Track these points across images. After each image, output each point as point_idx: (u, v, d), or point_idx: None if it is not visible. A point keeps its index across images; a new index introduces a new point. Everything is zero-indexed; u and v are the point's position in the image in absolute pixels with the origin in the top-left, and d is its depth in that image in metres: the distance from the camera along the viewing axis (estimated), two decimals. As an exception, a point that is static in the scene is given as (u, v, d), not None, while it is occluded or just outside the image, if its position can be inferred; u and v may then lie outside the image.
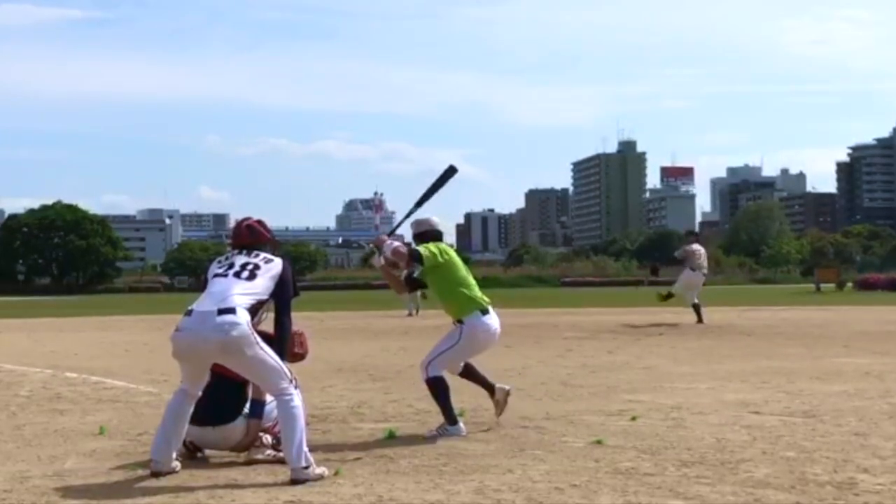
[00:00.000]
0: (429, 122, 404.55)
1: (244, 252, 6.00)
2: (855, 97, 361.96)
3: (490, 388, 7.42)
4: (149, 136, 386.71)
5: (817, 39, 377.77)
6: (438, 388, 7.11)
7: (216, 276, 5.87)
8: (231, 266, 5.89)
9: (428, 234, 7.37)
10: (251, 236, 6.11)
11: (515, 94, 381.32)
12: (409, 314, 26.70)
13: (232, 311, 5.57)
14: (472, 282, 7.28)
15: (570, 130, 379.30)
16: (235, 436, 6.13)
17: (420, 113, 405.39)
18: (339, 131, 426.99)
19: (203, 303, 5.70)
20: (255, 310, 5.73)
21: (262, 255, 5.97)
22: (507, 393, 7.44)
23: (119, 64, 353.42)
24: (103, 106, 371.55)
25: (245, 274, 5.80)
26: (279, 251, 6.21)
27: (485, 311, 7.19)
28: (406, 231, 7.89)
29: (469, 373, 7.44)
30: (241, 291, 5.69)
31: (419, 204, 7.45)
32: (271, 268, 5.87)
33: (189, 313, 5.69)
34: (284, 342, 5.95)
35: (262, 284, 5.79)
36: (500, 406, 7.41)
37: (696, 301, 19.74)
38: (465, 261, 7.48)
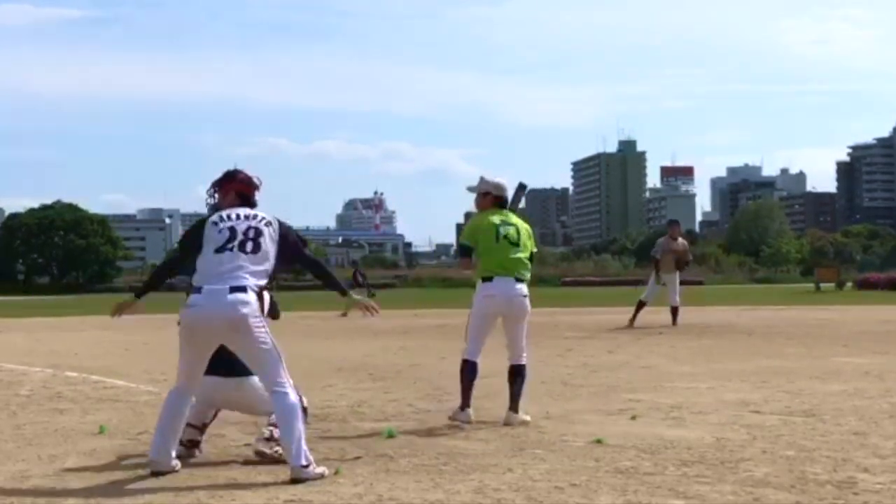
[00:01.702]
0: (429, 122, 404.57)
1: (242, 216, 5.86)
2: (855, 97, 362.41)
3: (512, 404, 7.39)
4: (148, 136, 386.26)
5: (817, 39, 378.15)
6: (461, 371, 7.43)
7: (220, 248, 5.75)
8: (233, 235, 5.78)
9: (491, 195, 7.60)
10: (250, 186, 6.06)
11: (515, 93, 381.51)
12: (344, 314, 25.90)
13: (243, 289, 5.61)
14: (495, 246, 7.35)
15: (570, 130, 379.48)
16: (250, 395, 6.03)
17: (420, 113, 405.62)
18: (338, 131, 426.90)
19: (213, 280, 5.66)
20: (262, 291, 5.73)
21: (260, 215, 5.89)
22: (521, 422, 7.29)
23: (118, 63, 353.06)
24: (102, 105, 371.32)
25: (249, 245, 5.74)
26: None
27: (486, 279, 7.36)
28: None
29: (511, 374, 7.48)
30: (251, 270, 5.69)
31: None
32: (272, 230, 5.83)
33: (199, 290, 5.68)
34: (333, 277, 6.15)
35: (268, 253, 5.77)
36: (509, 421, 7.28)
37: (648, 302, 18.85)
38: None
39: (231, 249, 5.74)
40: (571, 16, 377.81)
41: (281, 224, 5.92)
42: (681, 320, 18.61)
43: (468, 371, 7.39)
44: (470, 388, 7.37)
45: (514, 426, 7.20)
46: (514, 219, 7.58)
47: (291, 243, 5.93)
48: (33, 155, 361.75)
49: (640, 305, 18.75)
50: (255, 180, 6.13)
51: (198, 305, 5.66)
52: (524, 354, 7.52)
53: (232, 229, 5.81)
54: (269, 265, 5.79)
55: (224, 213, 5.93)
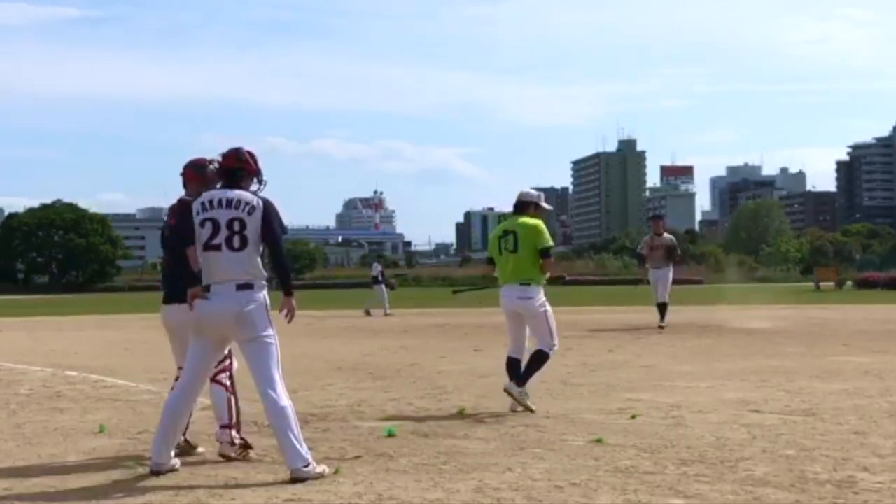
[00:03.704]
0: (427, 121, 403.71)
1: (224, 202, 5.73)
2: (854, 96, 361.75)
3: (522, 379, 8.02)
4: (145, 135, 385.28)
5: (817, 38, 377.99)
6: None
7: (206, 245, 5.72)
8: (216, 228, 5.69)
9: (515, 205, 8.32)
10: (238, 161, 5.86)
11: (514, 92, 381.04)
12: (386, 314, 25.83)
13: (249, 286, 5.68)
14: (499, 258, 8.17)
15: (570, 129, 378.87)
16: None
17: (418, 112, 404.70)
18: (336, 129, 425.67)
19: (217, 278, 5.68)
20: (262, 283, 5.76)
21: (243, 201, 5.72)
22: (517, 395, 7.92)
23: (115, 62, 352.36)
24: (100, 104, 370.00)
25: (236, 240, 5.68)
26: (263, 187, 5.92)
27: (501, 285, 8.18)
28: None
29: (529, 359, 8.18)
30: (248, 267, 5.69)
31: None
32: (255, 217, 5.71)
33: (207, 288, 5.70)
34: (288, 277, 5.91)
35: (255, 245, 5.71)
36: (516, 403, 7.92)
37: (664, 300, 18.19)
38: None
39: (219, 248, 5.69)
40: (570, 15, 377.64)
41: (265, 207, 5.76)
42: (671, 320, 18.03)
43: (508, 364, 8.10)
44: (512, 371, 8.01)
45: (512, 397, 7.84)
46: (518, 223, 8.13)
47: (270, 231, 5.76)
48: (30, 154, 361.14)
49: (660, 306, 18.09)
50: (247, 155, 5.90)
51: (206, 303, 5.71)
52: (551, 343, 8.21)
53: (214, 222, 5.72)
54: (258, 253, 5.77)
55: (206, 200, 5.80)
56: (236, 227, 5.70)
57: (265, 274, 5.83)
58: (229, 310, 5.64)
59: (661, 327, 17.75)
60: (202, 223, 5.74)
